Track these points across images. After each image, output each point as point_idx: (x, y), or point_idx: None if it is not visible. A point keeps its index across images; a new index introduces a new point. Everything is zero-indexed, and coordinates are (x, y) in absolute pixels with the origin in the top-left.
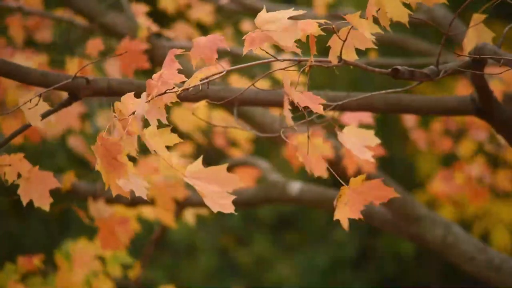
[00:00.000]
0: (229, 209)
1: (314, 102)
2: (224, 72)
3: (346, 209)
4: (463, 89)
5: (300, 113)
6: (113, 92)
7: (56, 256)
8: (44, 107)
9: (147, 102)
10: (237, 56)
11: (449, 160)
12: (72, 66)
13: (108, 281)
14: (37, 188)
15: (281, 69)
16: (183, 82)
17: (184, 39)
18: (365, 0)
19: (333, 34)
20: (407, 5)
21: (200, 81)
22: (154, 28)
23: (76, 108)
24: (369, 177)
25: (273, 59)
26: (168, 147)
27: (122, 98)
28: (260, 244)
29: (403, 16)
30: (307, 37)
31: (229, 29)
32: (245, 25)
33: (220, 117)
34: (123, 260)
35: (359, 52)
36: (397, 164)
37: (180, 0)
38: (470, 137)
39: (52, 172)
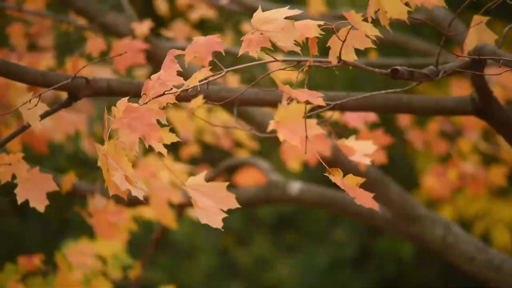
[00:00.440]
0: (218, 224)
1: (313, 97)
2: (224, 73)
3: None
4: (458, 89)
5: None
6: (113, 92)
7: (56, 256)
8: (43, 108)
9: (144, 103)
10: (237, 56)
11: (446, 160)
12: (71, 66)
13: (108, 281)
14: (35, 189)
15: (280, 69)
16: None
17: (183, 39)
18: (360, 1)
19: (332, 34)
20: (406, 3)
21: (199, 82)
22: (154, 28)
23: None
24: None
25: (273, 59)
26: (173, 152)
27: (118, 103)
28: (260, 244)
29: (402, 13)
30: (306, 37)
31: (229, 30)
32: (245, 25)
33: (219, 120)
34: (123, 260)
35: (358, 52)
36: (397, 164)
37: (179, 1)
38: (465, 136)
39: (53, 172)
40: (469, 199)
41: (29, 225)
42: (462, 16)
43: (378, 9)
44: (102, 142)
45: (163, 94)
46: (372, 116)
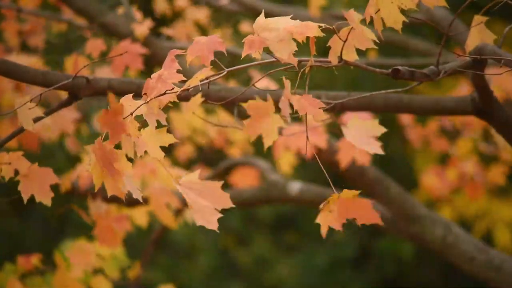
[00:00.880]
0: (213, 226)
1: (314, 106)
2: (225, 72)
3: (330, 217)
4: (460, 89)
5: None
6: (114, 92)
7: (55, 256)
8: (37, 111)
9: (145, 103)
10: (236, 56)
11: (445, 160)
12: (70, 66)
13: (107, 281)
14: (38, 184)
15: (280, 69)
16: (183, 82)
17: (183, 39)
18: (357, 1)
19: (333, 34)
20: (403, 11)
21: (200, 81)
22: (154, 28)
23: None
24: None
25: (273, 59)
26: (167, 150)
27: (121, 100)
28: (260, 244)
29: (397, 22)
30: (307, 37)
31: (229, 30)
32: (245, 25)
33: (216, 120)
34: (122, 260)
35: (358, 52)
36: (397, 164)
37: (177, 2)
38: (465, 136)
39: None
40: (469, 199)
41: (29, 225)
42: (462, 16)
43: (378, 10)
44: (88, 141)
45: (165, 93)
46: (369, 117)
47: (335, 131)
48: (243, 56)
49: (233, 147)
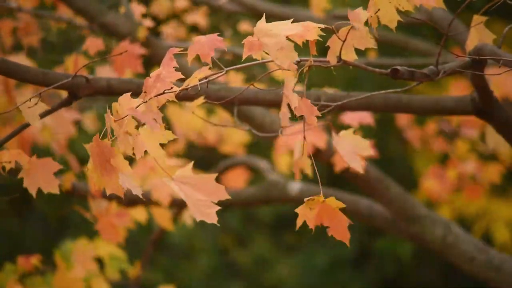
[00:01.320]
0: (213, 219)
1: (311, 112)
2: (224, 72)
3: (308, 213)
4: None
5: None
6: (113, 92)
7: (55, 256)
8: (42, 106)
9: (144, 102)
10: (236, 56)
11: (445, 160)
12: (69, 65)
13: (106, 281)
14: (41, 175)
15: (280, 69)
16: (181, 81)
17: (178, 40)
18: (356, 2)
19: (332, 34)
20: (401, 12)
21: (199, 81)
22: (153, 27)
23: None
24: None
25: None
26: (161, 146)
27: (120, 98)
28: (260, 244)
29: (392, 21)
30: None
31: (228, 30)
32: (244, 25)
33: (216, 119)
34: (122, 260)
35: (358, 52)
36: (396, 164)
37: (175, 3)
38: (463, 136)
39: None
40: (468, 199)
41: (29, 225)
42: (461, 16)
43: (378, 9)
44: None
45: (163, 92)
46: (368, 118)
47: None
48: (243, 58)
49: (228, 146)
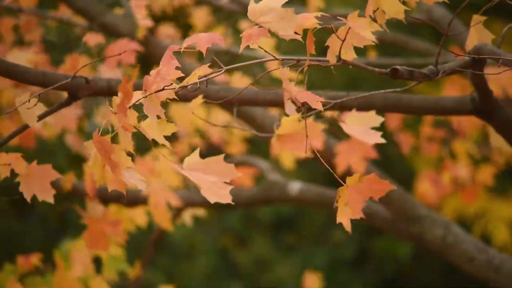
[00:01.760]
0: (227, 199)
1: (313, 100)
2: (223, 71)
3: (348, 210)
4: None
5: (300, 112)
6: (113, 92)
7: (55, 256)
8: (41, 108)
9: (144, 97)
10: (236, 55)
11: (441, 162)
12: (69, 65)
13: (105, 281)
14: (38, 182)
15: (280, 68)
16: (181, 78)
17: (178, 40)
18: (353, 1)
19: (331, 33)
20: (403, 2)
21: (199, 78)
22: (152, 27)
23: (75, 110)
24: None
25: (272, 58)
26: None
27: (120, 93)
28: (260, 245)
29: (399, 12)
30: (305, 34)
31: (228, 30)
32: (243, 25)
33: (217, 119)
34: (120, 260)
35: (358, 51)
36: (395, 165)
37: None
38: (460, 137)
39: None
40: (464, 203)
41: (29, 225)
42: (461, 16)
43: (378, 8)
44: (89, 138)
45: (163, 89)
46: None
47: (334, 132)
48: (241, 49)
49: (230, 146)
